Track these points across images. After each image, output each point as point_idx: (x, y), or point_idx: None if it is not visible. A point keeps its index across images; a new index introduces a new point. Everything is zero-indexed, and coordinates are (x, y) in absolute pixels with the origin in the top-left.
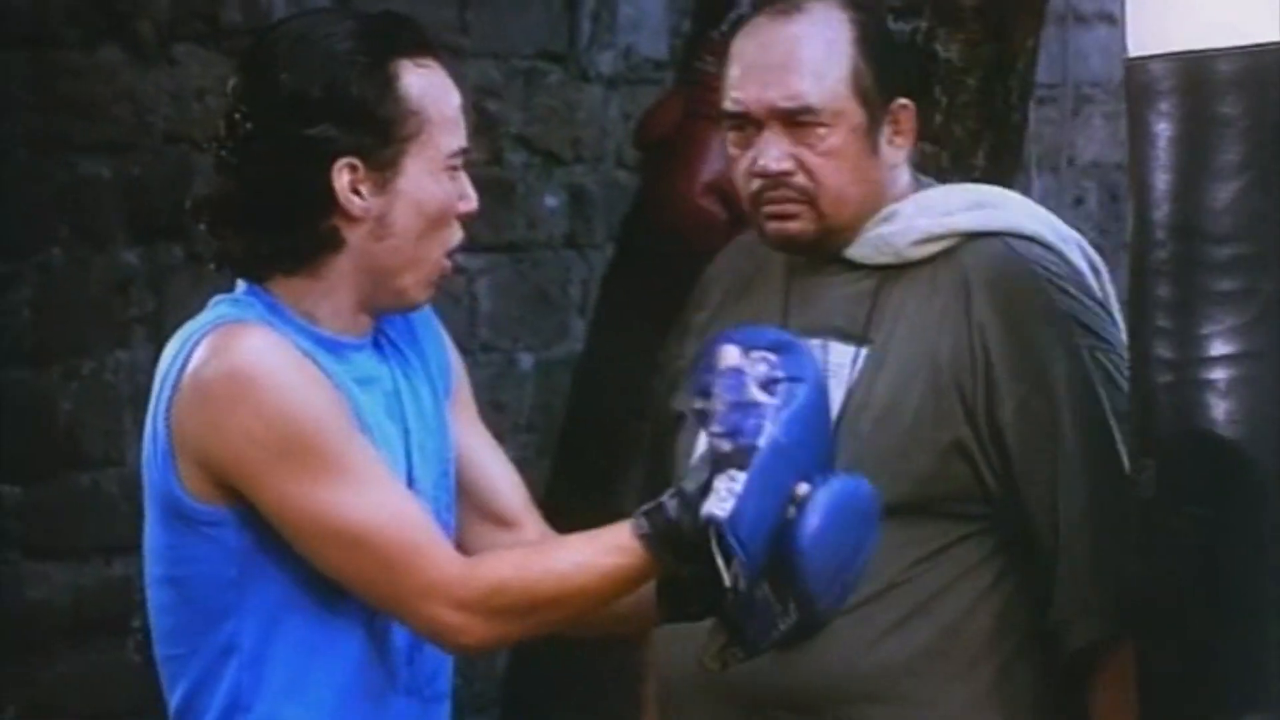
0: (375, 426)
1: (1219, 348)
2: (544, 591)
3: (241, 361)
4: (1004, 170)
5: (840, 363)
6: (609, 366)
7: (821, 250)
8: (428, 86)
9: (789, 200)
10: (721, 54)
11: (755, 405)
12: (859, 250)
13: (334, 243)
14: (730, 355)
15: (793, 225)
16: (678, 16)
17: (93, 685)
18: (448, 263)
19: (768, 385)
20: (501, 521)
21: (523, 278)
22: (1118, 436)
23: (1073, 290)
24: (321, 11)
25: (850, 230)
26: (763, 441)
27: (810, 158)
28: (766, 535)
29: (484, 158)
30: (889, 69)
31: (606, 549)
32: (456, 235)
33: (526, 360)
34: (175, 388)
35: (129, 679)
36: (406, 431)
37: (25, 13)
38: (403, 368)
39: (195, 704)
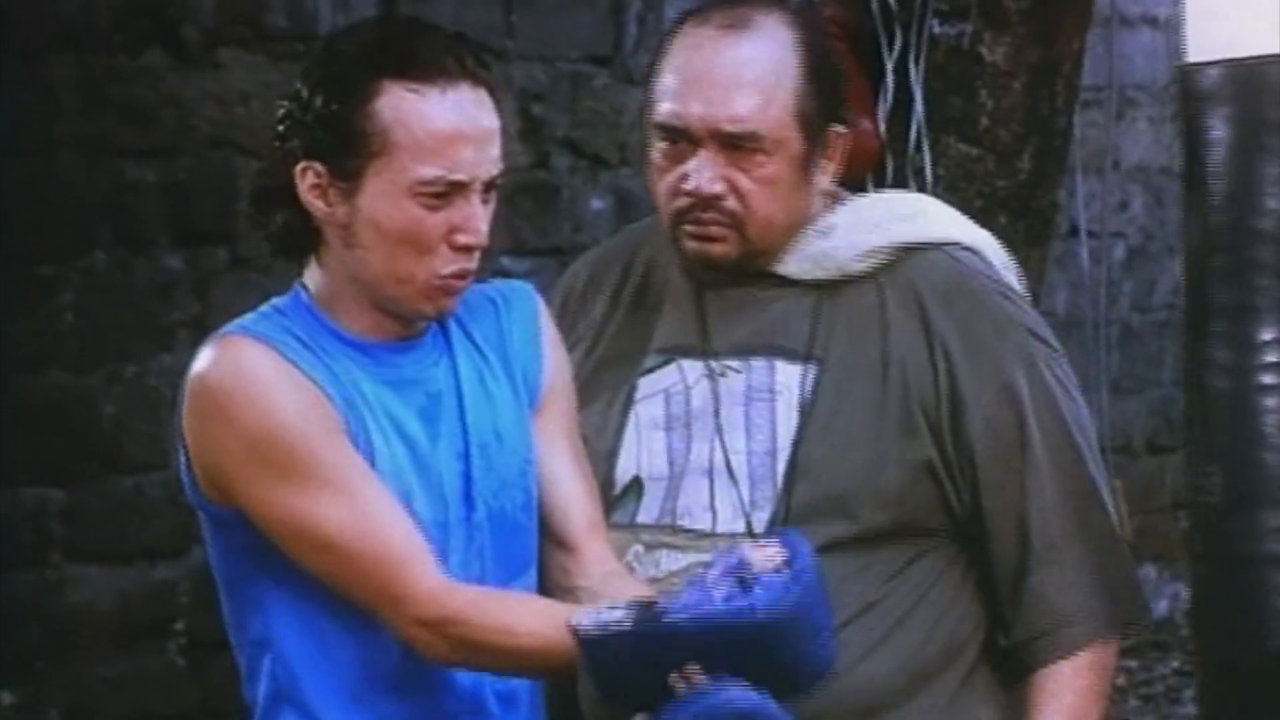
0: (393, 429)
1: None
2: (493, 641)
3: (220, 374)
4: (1049, 174)
5: (787, 382)
6: None
7: (741, 268)
8: (407, 110)
9: (716, 223)
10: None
11: None
12: (796, 266)
13: (319, 239)
14: None
15: (716, 248)
16: None
17: (136, 688)
18: (451, 285)
19: None
20: (561, 544)
21: None
22: (1081, 444)
23: (1016, 298)
24: (367, 24)
25: (770, 252)
26: None
27: (744, 182)
28: None
29: (530, 161)
30: (830, 95)
31: (563, 628)
32: (450, 263)
33: None
34: (185, 394)
35: (172, 682)
36: (464, 431)
37: (72, 18)
38: (477, 369)
39: (252, 691)
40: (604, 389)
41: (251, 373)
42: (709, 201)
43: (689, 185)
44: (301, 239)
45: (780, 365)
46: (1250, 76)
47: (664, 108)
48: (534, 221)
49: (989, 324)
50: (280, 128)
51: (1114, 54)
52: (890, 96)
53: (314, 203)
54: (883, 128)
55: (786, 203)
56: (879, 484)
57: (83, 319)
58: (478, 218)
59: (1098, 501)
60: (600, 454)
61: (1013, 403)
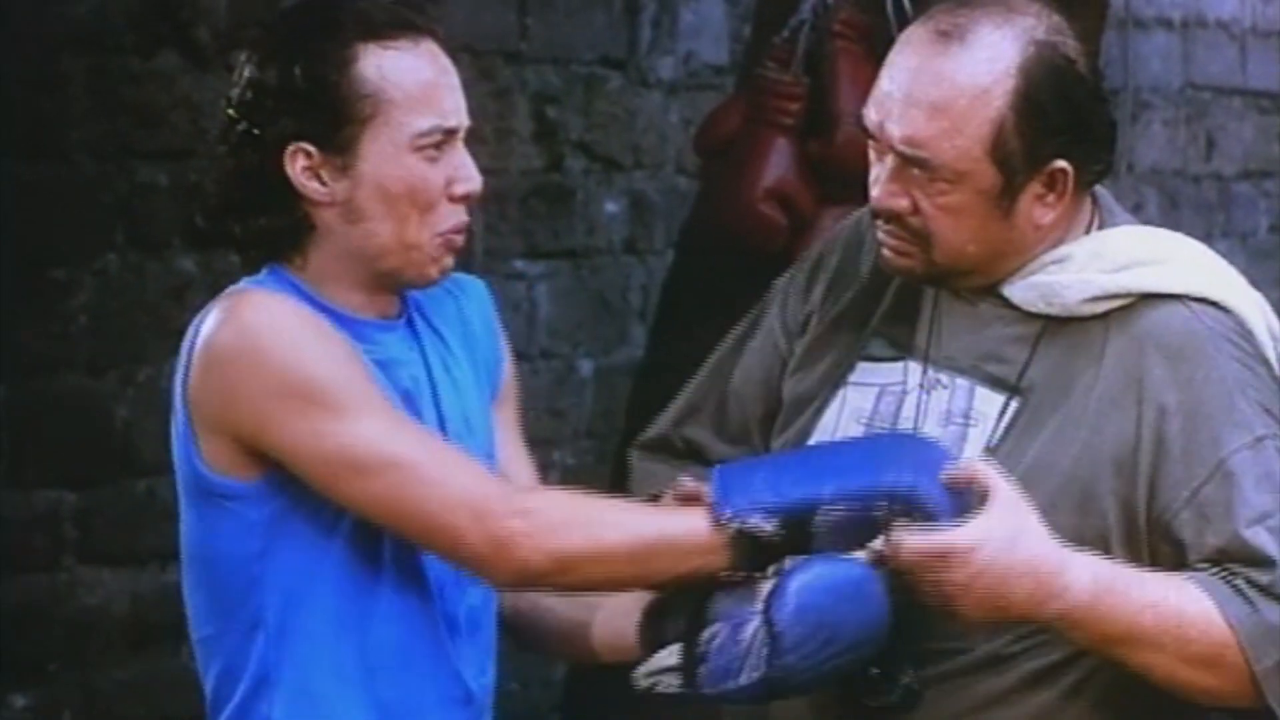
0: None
1: None
2: (597, 518)
3: (248, 320)
4: None
5: (985, 411)
6: (669, 373)
7: (954, 284)
8: (391, 67)
9: (900, 237)
10: (783, 61)
11: None
12: (1022, 294)
13: (308, 228)
14: None
15: (903, 262)
16: (738, 22)
17: (149, 691)
18: (452, 240)
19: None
20: None
21: (583, 284)
22: None
23: (1258, 368)
24: (305, 4)
25: (987, 273)
26: None
27: (926, 205)
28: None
29: (544, 164)
30: (1050, 128)
31: (678, 515)
32: (449, 217)
33: (586, 366)
34: (189, 364)
35: (185, 685)
36: (440, 419)
37: (85, 19)
38: (442, 356)
39: (228, 682)
40: (825, 356)
41: (277, 313)
42: (891, 215)
43: (873, 193)
44: (289, 232)
45: (982, 392)
46: None
47: (868, 104)
48: (547, 224)
49: (1218, 395)
50: (245, 122)
51: (1129, 56)
52: None
53: (308, 185)
54: None
55: (978, 234)
56: None
57: (95, 321)
58: (470, 165)
59: None
60: (795, 424)
61: (1229, 486)
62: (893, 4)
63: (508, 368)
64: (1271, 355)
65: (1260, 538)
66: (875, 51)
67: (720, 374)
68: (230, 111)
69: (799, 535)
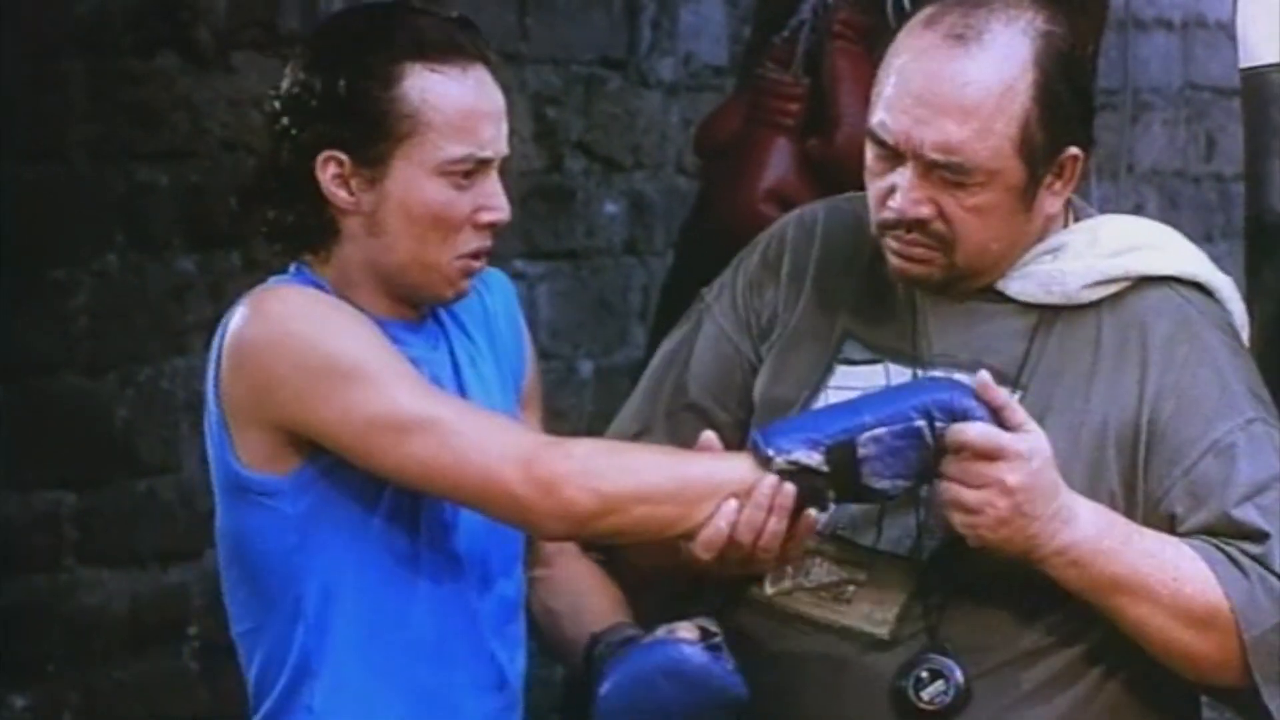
0: None
1: None
2: (640, 461)
3: (275, 310)
4: None
5: None
6: None
7: (960, 286)
8: (435, 90)
9: (920, 245)
10: (783, 61)
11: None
12: (1021, 286)
13: (333, 231)
14: None
15: (918, 269)
16: (738, 23)
17: (149, 692)
18: (471, 264)
19: None
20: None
21: (583, 285)
22: None
23: (1244, 352)
24: (364, 10)
25: (994, 271)
26: None
27: (953, 208)
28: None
29: (544, 164)
30: (1065, 117)
31: (723, 457)
32: (471, 241)
33: (586, 367)
34: (219, 361)
35: (185, 686)
36: None
37: (84, 20)
38: (469, 353)
39: (269, 675)
40: (799, 361)
41: (302, 300)
42: (914, 223)
43: (894, 203)
44: (317, 232)
45: None
46: None
47: (876, 114)
48: (547, 225)
49: (1209, 378)
50: (285, 119)
51: (1129, 57)
52: None
53: (336, 193)
54: None
55: (1002, 230)
56: None
57: (95, 322)
58: (500, 194)
59: None
60: None
61: (1221, 465)
62: (892, 4)
63: (530, 364)
64: (1244, 335)
65: (1250, 514)
66: (875, 51)
67: (661, 392)
68: (275, 104)
69: (845, 465)
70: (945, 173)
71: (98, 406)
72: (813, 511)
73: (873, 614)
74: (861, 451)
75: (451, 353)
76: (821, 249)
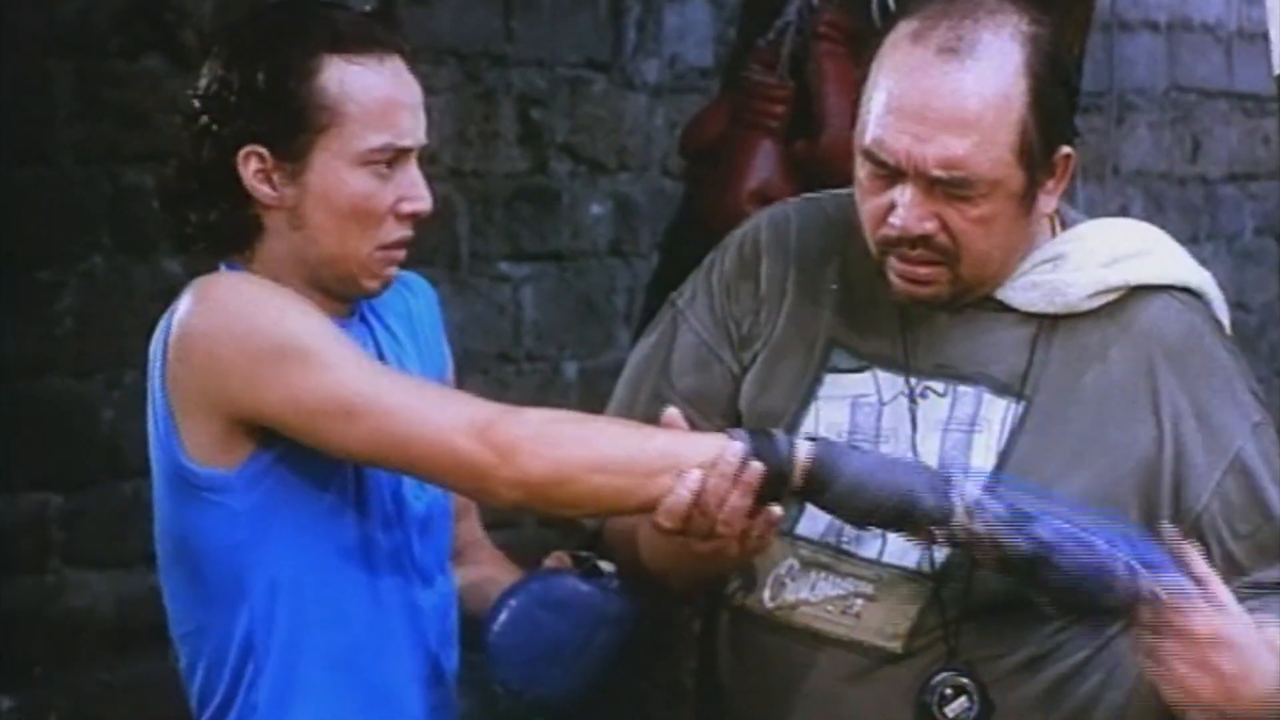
0: None
1: None
2: (595, 430)
3: (218, 296)
4: None
5: (990, 417)
6: None
7: (964, 300)
8: (352, 81)
9: (925, 261)
10: (768, 63)
11: None
12: (1023, 296)
13: (256, 228)
14: None
15: (925, 291)
16: (723, 25)
17: (136, 694)
18: (393, 254)
19: None
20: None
21: (568, 286)
22: None
23: (1238, 353)
24: (280, 5)
25: (986, 284)
26: None
27: (957, 221)
28: None
29: (529, 166)
30: (1057, 118)
31: (685, 435)
32: (393, 232)
33: (571, 369)
34: (165, 355)
35: (172, 688)
36: None
37: (70, 22)
38: (395, 353)
39: (213, 675)
40: (786, 371)
41: (244, 286)
42: (918, 240)
43: (896, 220)
44: (241, 229)
45: (988, 397)
46: None
47: (870, 133)
48: (532, 226)
49: (1221, 387)
50: (205, 117)
51: (1114, 59)
52: None
53: (259, 188)
54: None
55: (1005, 237)
56: None
57: (82, 324)
58: (421, 185)
59: None
60: None
61: (1246, 475)
62: (878, 6)
63: (450, 370)
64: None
65: None
66: (860, 54)
67: (637, 403)
68: (195, 103)
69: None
70: (948, 187)
71: (84, 408)
72: (777, 508)
73: (884, 628)
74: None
75: (379, 351)
76: (799, 252)
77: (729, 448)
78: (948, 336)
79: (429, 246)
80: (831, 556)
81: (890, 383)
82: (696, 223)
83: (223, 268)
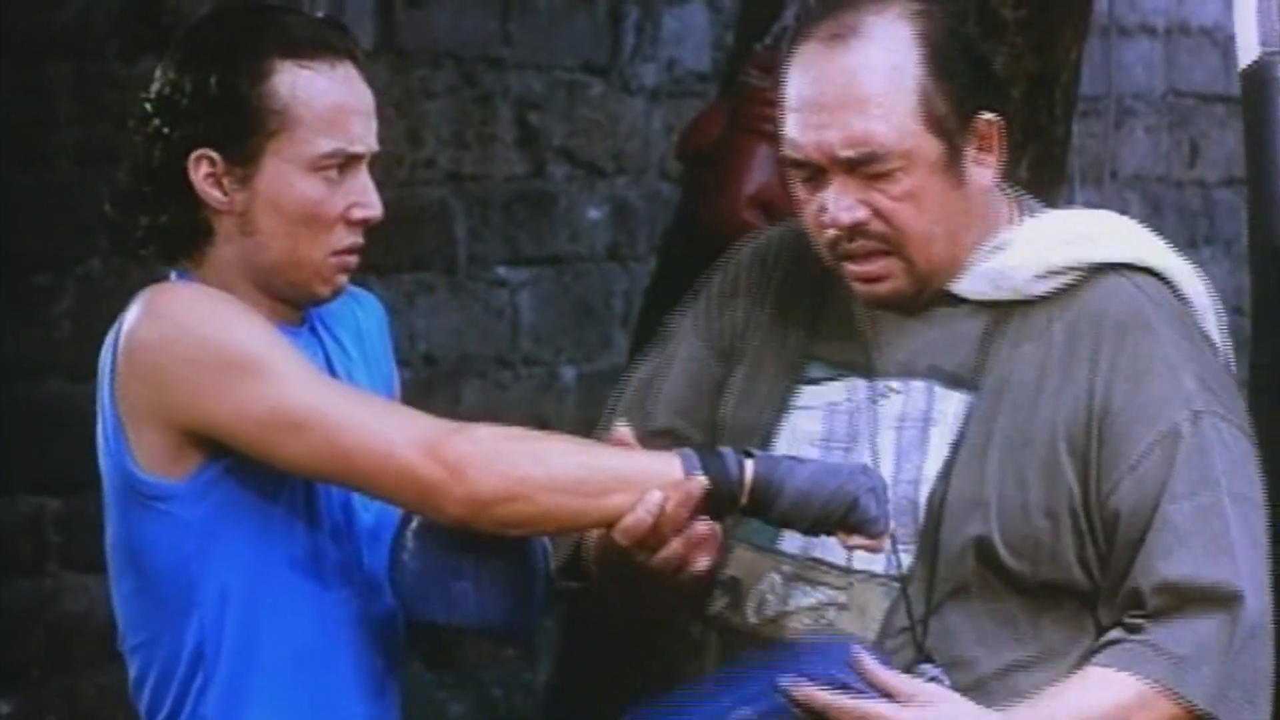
0: None
1: None
2: (546, 447)
3: (166, 306)
4: (1047, 183)
5: (944, 410)
6: None
7: (922, 298)
8: (304, 86)
9: (871, 252)
10: (766, 68)
11: None
12: (970, 285)
13: (207, 232)
14: None
15: (883, 287)
16: (721, 29)
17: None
18: (345, 260)
19: None
20: None
21: (565, 290)
22: (1231, 516)
23: (1199, 339)
24: (233, 10)
25: (950, 269)
26: None
27: (885, 203)
28: None
29: (526, 170)
30: (966, 85)
31: (638, 454)
32: (344, 238)
33: (569, 373)
34: (114, 365)
35: None
36: None
37: (68, 25)
38: (344, 365)
39: (162, 687)
40: (763, 384)
41: (192, 296)
42: (853, 230)
43: (826, 218)
44: (191, 234)
45: (940, 391)
46: None
47: (784, 139)
48: (530, 230)
49: (1161, 364)
50: (157, 120)
51: (1112, 63)
52: None
53: (210, 192)
54: None
55: (940, 212)
56: (1019, 530)
57: (80, 327)
58: (372, 191)
59: (1245, 574)
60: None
61: (1168, 459)
62: None
63: (396, 389)
64: (1211, 322)
65: (1161, 568)
66: None
67: (632, 420)
68: (146, 106)
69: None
70: (864, 167)
71: (82, 412)
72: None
73: (855, 633)
74: None
75: (329, 362)
76: (780, 271)
77: (683, 468)
78: (906, 335)
79: (426, 250)
80: (810, 568)
81: (860, 388)
82: (694, 227)
83: (173, 276)
